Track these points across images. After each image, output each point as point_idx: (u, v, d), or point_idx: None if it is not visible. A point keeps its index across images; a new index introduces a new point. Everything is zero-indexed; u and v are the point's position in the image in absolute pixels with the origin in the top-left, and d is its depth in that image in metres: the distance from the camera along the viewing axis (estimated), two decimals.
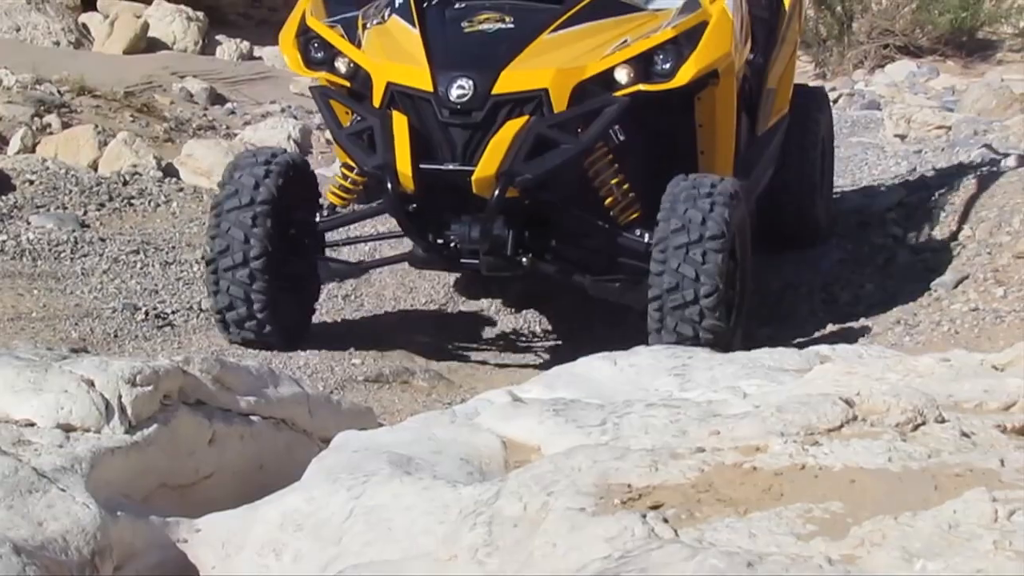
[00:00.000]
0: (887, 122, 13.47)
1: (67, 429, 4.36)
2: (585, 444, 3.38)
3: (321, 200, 8.15)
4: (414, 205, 7.41)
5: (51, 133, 12.07)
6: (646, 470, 3.00)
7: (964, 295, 8.71)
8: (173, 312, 8.77)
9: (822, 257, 9.81)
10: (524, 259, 7.36)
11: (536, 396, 5.01)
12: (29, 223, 9.71)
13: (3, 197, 10.01)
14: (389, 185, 7.14)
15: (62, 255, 9.27)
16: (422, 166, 7.10)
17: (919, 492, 2.77)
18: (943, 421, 3.22)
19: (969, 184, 10.36)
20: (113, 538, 3.95)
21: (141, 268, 9.42)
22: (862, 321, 8.76)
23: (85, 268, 9.13)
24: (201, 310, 8.91)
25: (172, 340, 8.34)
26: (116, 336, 8.20)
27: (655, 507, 2.81)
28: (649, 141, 7.76)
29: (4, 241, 9.27)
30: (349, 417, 5.78)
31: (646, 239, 7.17)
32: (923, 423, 3.20)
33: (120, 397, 4.57)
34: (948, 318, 8.46)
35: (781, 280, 9.44)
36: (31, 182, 10.37)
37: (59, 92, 12.92)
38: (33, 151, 11.54)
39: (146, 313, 8.72)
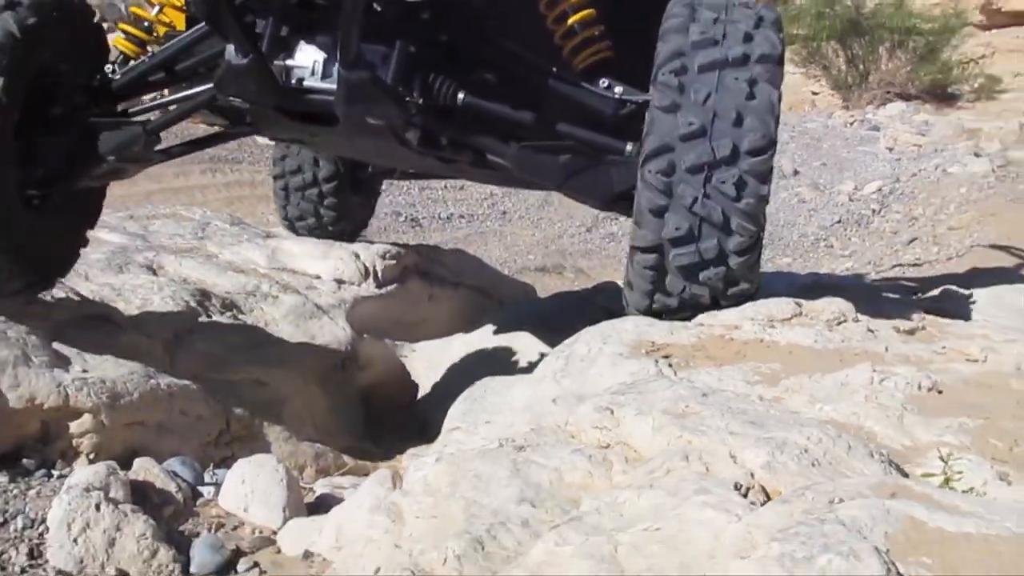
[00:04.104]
0: (882, 139, 13.09)
1: (339, 282, 4.40)
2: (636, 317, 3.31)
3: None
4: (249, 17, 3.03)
5: None
6: (665, 333, 2.93)
7: (913, 250, 8.47)
8: (423, 218, 8.81)
9: (826, 217, 9.61)
10: (410, 98, 2.99)
11: None
12: None
13: None
14: None
15: None
16: None
17: (829, 362, 2.66)
18: (858, 321, 3.09)
19: (926, 181, 10.12)
20: (360, 351, 3.98)
21: (404, 188, 9.48)
22: (848, 261, 8.56)
23: None
24: (442, 218, 8.93)
25: (420, 235, 8.37)
26: (384, 230, 8.28)
27: (666, 356, 2.74)
28: None
29: None
30: (519, 290, 5.76)
31: (614, 93, 3.02)
32: (844, 321, 3.07)
33: (375, 265, 4.60)
34: (900, 264, 8.22)
35: (797, 231, 9.25)
36: None
37: None
38: None
39: (405, 217, 8.75)
